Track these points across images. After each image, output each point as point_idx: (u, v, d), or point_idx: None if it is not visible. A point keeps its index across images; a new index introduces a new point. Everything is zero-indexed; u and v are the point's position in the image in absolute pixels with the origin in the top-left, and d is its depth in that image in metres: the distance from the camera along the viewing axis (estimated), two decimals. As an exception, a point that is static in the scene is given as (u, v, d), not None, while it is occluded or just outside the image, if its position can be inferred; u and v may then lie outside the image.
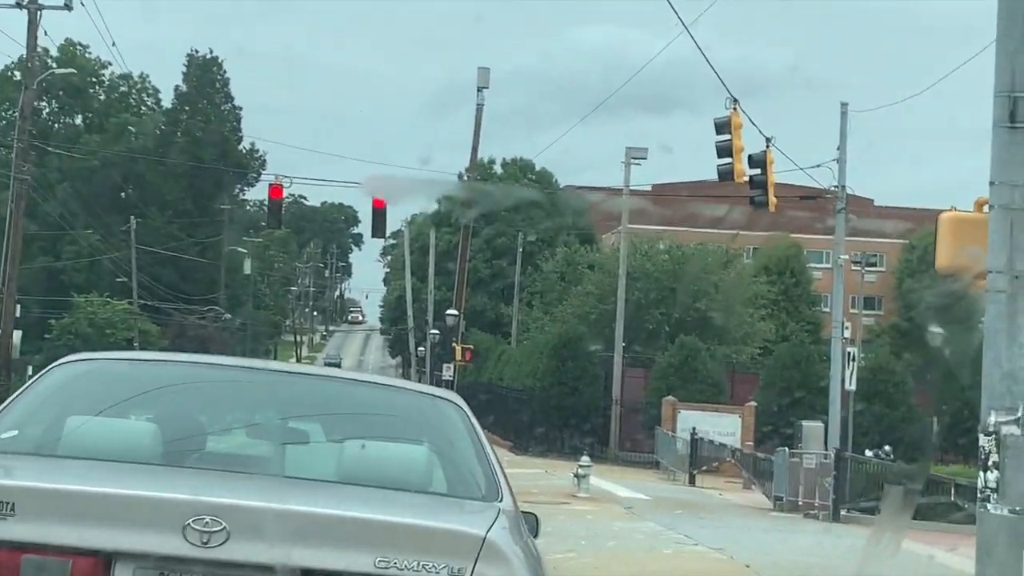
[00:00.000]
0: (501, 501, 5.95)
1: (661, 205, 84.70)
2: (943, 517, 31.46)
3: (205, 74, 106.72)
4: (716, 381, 55.59)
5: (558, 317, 70.50)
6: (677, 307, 68.01)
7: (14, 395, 6.35)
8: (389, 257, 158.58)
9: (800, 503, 34.51)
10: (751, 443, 47.95)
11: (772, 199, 30.90)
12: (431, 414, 6.78)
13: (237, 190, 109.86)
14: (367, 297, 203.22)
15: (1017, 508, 11.94)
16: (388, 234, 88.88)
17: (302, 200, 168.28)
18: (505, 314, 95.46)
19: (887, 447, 42.16)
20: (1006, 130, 12.14)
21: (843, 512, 32.88)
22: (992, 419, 11.95)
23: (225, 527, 4.87)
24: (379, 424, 6.70)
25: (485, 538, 5.09)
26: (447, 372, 62.02)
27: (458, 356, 62.54)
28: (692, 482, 44.16)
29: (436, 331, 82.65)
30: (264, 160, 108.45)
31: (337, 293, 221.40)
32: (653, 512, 31.02)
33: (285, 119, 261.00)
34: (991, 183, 12.35)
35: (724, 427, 50.45)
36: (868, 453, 40.36)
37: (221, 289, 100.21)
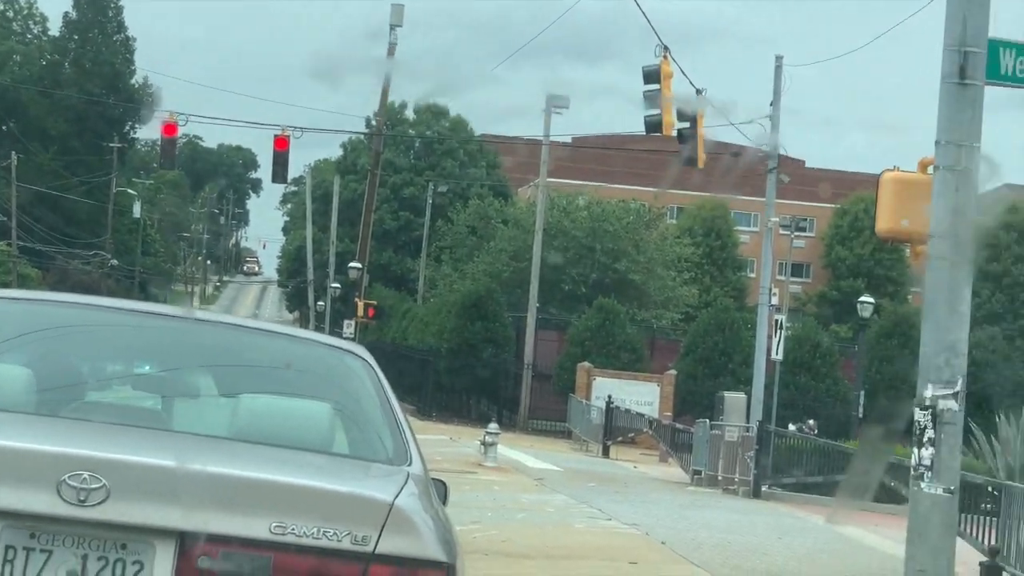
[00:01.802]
0: (410, 465, 5.82)
1: (582, 159, 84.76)
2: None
3: (96, 1, 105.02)
4: (635, 347, 55.76)
5: (468, 274, 70.41)
6: (595, 267, 68.20)
7: None
8: (289, 205, 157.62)
9: (720, 478, 34.73)
10: (669, 414, 48.20)
11: (701, 155, 30.91)
12: (335, 368, 6.61)
13: (128, 127, 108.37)
14: (264, 247, 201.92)
15: (951, 487, 12.01)
16: (289, 180, 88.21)
17: (198, 140, 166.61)
18: (412, 269, 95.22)
19: (811, 421, 42.63)
20: (955, 86, 12.14)
21: (764, 488, 33.16)
22: (929, 393, 12.00)
23: (104, 484, 4.69)
24: (278, 377, 6.52)
25: (392, 505, 4.97)
26: (348, 329, 61.72)
27: (360, 312, 62.22)
28: (606, 453, 44.31)
29: (337, 285, 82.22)
30: (158, 96, 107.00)
31: (232, 241, 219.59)
32: (564, 484, 31.08)
33: (182, 55, 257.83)
34: (937, 142, 12.35)
35: (642, 396, 50.68)
36: (791, 427, 40.76)
37: (108, 233, 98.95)
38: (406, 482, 5.37)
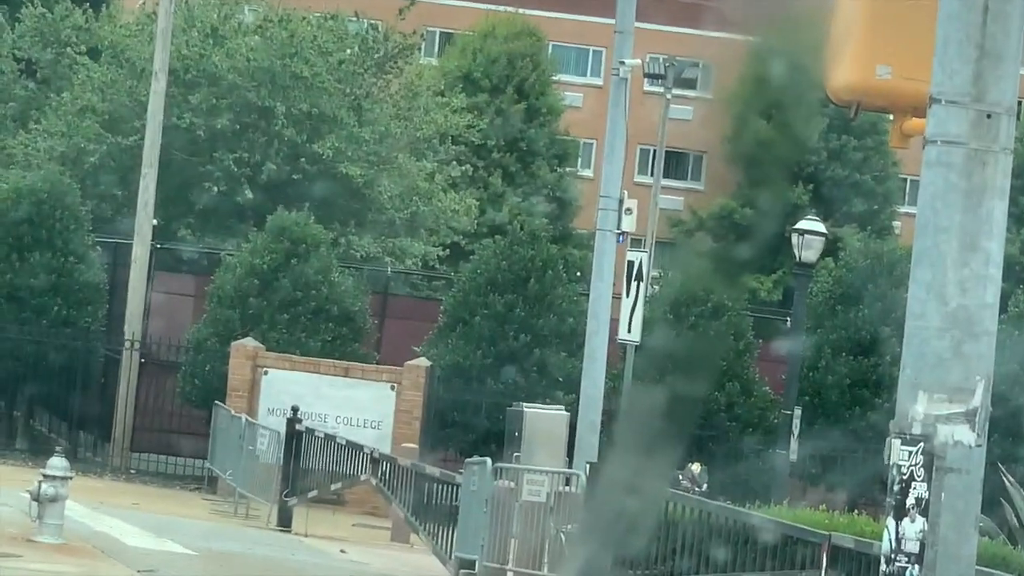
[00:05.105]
0: None
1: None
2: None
3: None
4: (349, 311, 55.77)
5: (18, 158, 69.66)
6: (276, 151, 68.01)
7: None
8: None
9: (511, 574, 34.99)
10: (415, 446, 48.30)
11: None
12: None
13: None
14: None
15: (959, 597, 12.28)
16: None
17: None
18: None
19: (695, 465, 43.18)
20: None
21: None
22: (920, 409, 12.23)
23: None
24: None
25: None
26: None
27: None
28: (286, 523, 44.43)
29: None
30: None
31: None
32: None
33: None
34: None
35: (362, 408, 50.80)
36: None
37: None
38: None
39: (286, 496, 45.22)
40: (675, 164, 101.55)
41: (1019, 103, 12.97)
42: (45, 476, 34.16)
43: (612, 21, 43.77)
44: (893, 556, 12.24)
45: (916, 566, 12.11)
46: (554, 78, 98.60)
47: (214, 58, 68.38)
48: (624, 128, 43.55)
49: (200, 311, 56.90)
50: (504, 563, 35.41)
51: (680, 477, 39.76)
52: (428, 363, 52.99)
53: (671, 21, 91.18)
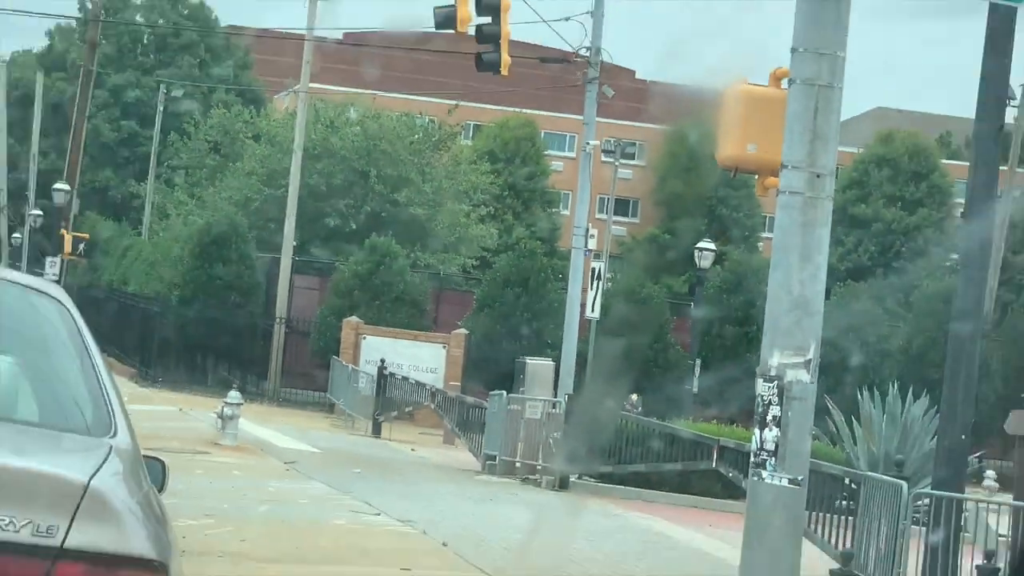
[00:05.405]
0: (114, 436, 5.74)
1: (357, 61, 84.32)
2: (701, 489, 32.45)
3: None
4: (416, 299, 55.97)
5: (208, 203, 69.69)
6: (370, 198, 68.05)
7: None
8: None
9: (518, 464, 35.09)
10: (458, 383, 48.67)
11: (505, 58, 30.96)
12: (21, 312, 6.46)
13: None
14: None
15: (799, 478, 12.27)
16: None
17: None
18: (136, 195, 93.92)
19: (634, 396, 43.23)
20: (817, -19, 12.37)
21: (573, 478, 33.55)
22: (774, 360, 12.24)
23: None
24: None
25: (88, 486, 4.89)
26: (51, 268, 60.60)
27: (68, 248, 61.09)
28: (377, 432, 44.57)
29: (39, 212, 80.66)
30: None
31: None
32: (323, 470, 31.17)
33: None
34: (793, 50, 12.57)
35: (424, 361, 50.89)
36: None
37: None
38: (107, 458, 5.29)
39: (377, 415, 45.42)
40: (622, 206, 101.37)
41: (836, 168, 12.99)
42: (226, 403, 34.46)
43: (581, 117, 43.75)
44: (758, 452, 12.23)
45: (772, 458, 12.10)
46: (545, 152, 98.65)
47: (332, 140, 68.55)
48: (589, 184, 43.56)
49: (323, 300, 57.33)
50: (514, 457, 35.52)
51: (625, 403, 39.76)
52: (466, 332, 53.19)
53: (619, 116, 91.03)
